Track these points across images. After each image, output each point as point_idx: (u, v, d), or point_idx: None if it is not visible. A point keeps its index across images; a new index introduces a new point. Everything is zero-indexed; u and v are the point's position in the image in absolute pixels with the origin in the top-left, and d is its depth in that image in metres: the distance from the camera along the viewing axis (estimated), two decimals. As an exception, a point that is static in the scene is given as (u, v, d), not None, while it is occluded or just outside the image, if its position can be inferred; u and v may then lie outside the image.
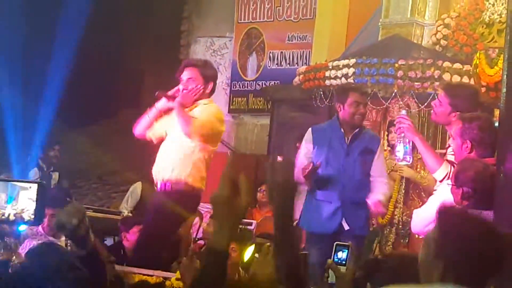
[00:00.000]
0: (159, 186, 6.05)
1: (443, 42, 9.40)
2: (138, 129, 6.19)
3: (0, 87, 11.45)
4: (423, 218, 5.13)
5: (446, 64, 8.64)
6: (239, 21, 12.55)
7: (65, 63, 11.64)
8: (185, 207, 5.95)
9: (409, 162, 5.61)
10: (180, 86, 6.09)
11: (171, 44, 13.34)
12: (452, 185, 4.64)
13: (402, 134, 5.22)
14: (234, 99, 12.37)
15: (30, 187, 1.59)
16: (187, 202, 5.97)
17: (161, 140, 6.14)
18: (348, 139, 6.23)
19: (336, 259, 3.04)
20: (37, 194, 1.64)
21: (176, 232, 6.28)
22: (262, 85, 11.94)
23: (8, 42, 11.55)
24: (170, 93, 6.09)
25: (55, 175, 9.89)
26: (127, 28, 13.09)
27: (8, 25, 11.58)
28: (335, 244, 3.10)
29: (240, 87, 12.36)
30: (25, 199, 1.60)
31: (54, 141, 10.01)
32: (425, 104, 8.33)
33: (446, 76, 8.52)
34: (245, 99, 12.27)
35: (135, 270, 5.51)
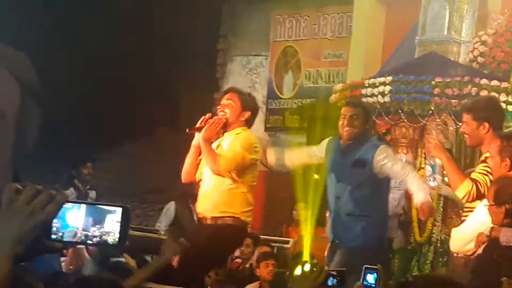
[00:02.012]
0: (205, 222, 5.98)
1: (480, 59, 9.34)
2: (185, 176, 6.03)
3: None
4: (462, 237, 5.08)
5: (484, 81, 8.58)
6: (275, 40, 12.59)
7: (101, 82, 11.75)
8: (231, 241, 5.97)
9: (433, 183, 5.59)
10: (209, 115, 5.96)
11: (207, 63, 13.42)
12: (491, 205, 4.59)
13: (431, 154, 5.22)
14: (270, 117, 12.39)
15: (115, 211, 1.64)
16: (232, 236, 5.94)
17: None
18: (342, 151, 6.28)
19: (365, 282, 3.03)
20: (121, 218, 1.69)
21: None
22: (298, 103, 11.95)
23: (41, 55, 11.68)
24: (198, 125, 5.88)
25: (92, 194, 9.93)
26: (164, 47, 13.19)
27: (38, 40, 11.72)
28: (364, 267, 3.09)
29: (276, 105, 12.38)
30: (110, 222, 1.65)
31: (86, 159, 10.05)
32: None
33: (483, 94, 8.46)
34: (281, 117, 12.28)
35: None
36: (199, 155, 5.95)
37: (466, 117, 5.39)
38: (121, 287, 2.27)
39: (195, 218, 6.57)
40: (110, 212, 1.68)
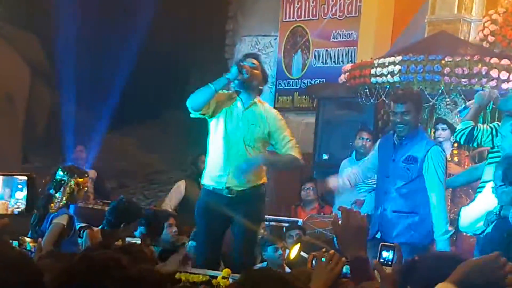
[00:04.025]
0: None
1: (490, 38, 9.30)
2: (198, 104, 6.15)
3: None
4: (471, 216, 5.10)
5: (494, 60, 8.54)
6: (284, 20, 12.55)
7: (116, 66, 11.77)
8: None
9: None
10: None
11: (216, 44, 13.40)
12: (500, 185, 4.59)
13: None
14: (279, 97, 12.37)
15: (22, 180, 1.66)
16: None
17: None
18: (395, 147, 6.20)
19: (381, 259, 3.03)
20: (27, 186, 1.70)
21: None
22: (307, 84, 11.93)
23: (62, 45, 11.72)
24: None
25: (91, 173, 9.89)
26: (171, 29, 13.17)
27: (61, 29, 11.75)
28: (380, 244, 3.09)
29: (285, 86, 12.36)
30: (20, 192, 1.68)
31: (84, 142, 10.08)
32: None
33: (494, 73, 8.43)
34: (290, 97, 12.26)
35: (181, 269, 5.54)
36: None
37: None
38: (124, 266, 2.28)
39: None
40: (19, 182, 1.71)
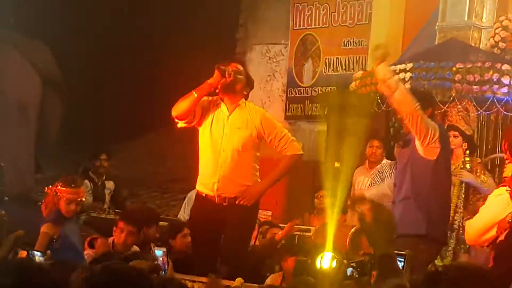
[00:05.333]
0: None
1: (501, 44, 9.27)
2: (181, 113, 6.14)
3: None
4: (477, 229, 5.08)
5: (505, 66, 8.52)
6: (294, 28, 12.56)
7: (128, 74, 11.79)
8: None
9: None
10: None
11: (226, 52, 13.40)
12: (512, 190, 4.57)
13: None
14: (290, 105, 12.37)
15: None
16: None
17: None
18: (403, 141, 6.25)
19: None
20: None
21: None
22: (318, 91, 11.92)
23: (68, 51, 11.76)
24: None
25: (109, 184, 9.91)
26: (182, 36, 13.20)
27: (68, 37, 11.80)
28: None
29: (296, 94, 12.36)
30: None
31: (101, 150, 10.05)
32: (484, 107, 8.22)
33: (505, 79, 8.41)
34: (301, 105, 12.26)
35: (187, 277, 5.51)
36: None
37: None
38: (148, 277, 2.29)
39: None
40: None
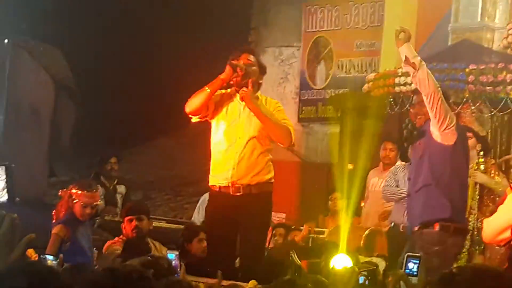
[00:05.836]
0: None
1: (514, 45, 9.25)
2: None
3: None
4: (494, 227, 5.05)
5: (519, 67, 8.50)
6: (306, 30, 12.56)
7: (141, 79, 11.80)
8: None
9: None
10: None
11: (239, 56, 13.41)
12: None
13: None
14: (303, 108, 12.36)
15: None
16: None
17: None
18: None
19: (407, 270, 3.02)
20: (6, 176, 1.74)
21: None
22: (331, 94, 11.92)
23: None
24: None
25: (121, 189, 9.87)
26: (195, 41, 13.22)
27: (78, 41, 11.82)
28: (406, 255, 3.07)
29: (309, 96, 12.36)
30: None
31: (111, 155, 10.03)
32: (498, 108, 8.19)
33: (519, 80, 8.38)
34: (314, 108, 12.25)
35: (201, 279, 5.49)
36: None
37: None
38: (150, 278, 2.29)
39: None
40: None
